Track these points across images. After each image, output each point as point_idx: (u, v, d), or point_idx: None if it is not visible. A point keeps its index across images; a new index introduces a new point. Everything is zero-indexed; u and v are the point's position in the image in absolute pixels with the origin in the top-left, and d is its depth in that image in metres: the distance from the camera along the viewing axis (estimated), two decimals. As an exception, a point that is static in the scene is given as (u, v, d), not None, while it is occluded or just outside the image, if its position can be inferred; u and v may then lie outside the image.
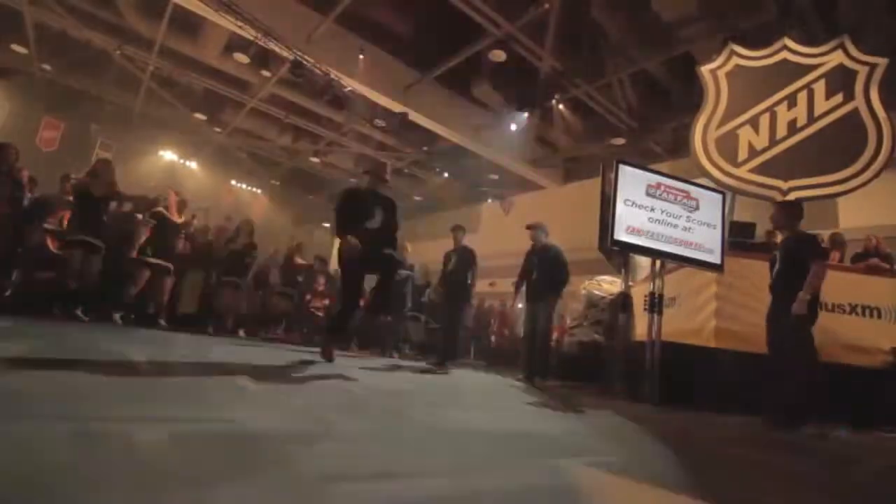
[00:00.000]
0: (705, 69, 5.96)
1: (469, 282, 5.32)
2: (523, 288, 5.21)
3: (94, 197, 4.75)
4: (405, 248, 6.64)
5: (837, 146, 5.28)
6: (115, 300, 5.44)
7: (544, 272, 4.90)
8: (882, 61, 5.32)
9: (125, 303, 5.44)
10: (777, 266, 3.49)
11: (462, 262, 5.31)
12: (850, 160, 5.17)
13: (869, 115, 5.23)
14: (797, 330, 3.16)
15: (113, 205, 5.08)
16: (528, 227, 5.19)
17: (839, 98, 5.39)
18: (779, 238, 4.11)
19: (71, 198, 4.81)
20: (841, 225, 6.78)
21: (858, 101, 5.29)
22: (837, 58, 5.51)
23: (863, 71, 5.35)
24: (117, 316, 5.32)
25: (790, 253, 3.38)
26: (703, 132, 5.75)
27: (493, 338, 9.52)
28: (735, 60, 5.93)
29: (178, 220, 5.73)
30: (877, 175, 5.07)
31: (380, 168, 3.85)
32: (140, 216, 5.67)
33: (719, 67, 5.94)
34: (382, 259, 3.50)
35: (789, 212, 3.60)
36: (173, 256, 5.72)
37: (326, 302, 8.88)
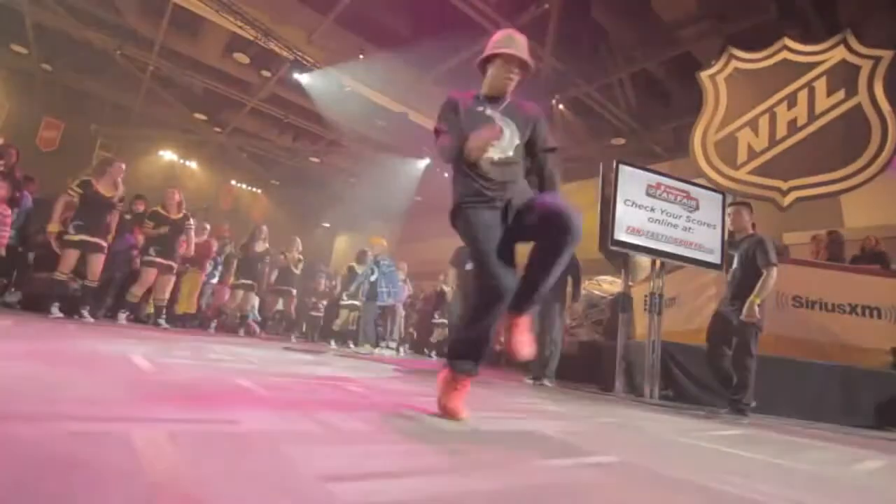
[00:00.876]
0: (704, 75, 5.96)
1: None
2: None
3: (99, 197, 4.74)
4: (381, 244, 6.43)
5: (839, 143, 5.21)
6: (121, 300, 5.51)
7: (564, 271, 4.89)
8: (887, 54, 5.18)
9: (130, 302, 5.48)
10: (734, 266, 3.63)
11: None
12: (853, 157, 5.11)
13: (873, 109, 5.13)
14: (743, 333, 3.34)
15: (119, 205, 5.09)
16: None
17: (841, 94, 5.31)
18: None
19: (75, 197, 4.76)
20: (846, 224, 6.65)
21: (861, 97, 5.19)
22: (839, 53, 5.43)
23: (866, 65, 5.25)
24: (123, 316, 5.35)
25: (744, 255, 3.51)
26: (702, 137, 5.75)
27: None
28: (734, 64, 5.92)
29: (176, 217, 5.68)
30: (881, 170, 5.00)
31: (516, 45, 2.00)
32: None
33: (718, 72, 5.93)
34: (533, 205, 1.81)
35: (740, 214, 3.72)
36: (174, 255, 5.73)
37: (325, 302, 8.87)
